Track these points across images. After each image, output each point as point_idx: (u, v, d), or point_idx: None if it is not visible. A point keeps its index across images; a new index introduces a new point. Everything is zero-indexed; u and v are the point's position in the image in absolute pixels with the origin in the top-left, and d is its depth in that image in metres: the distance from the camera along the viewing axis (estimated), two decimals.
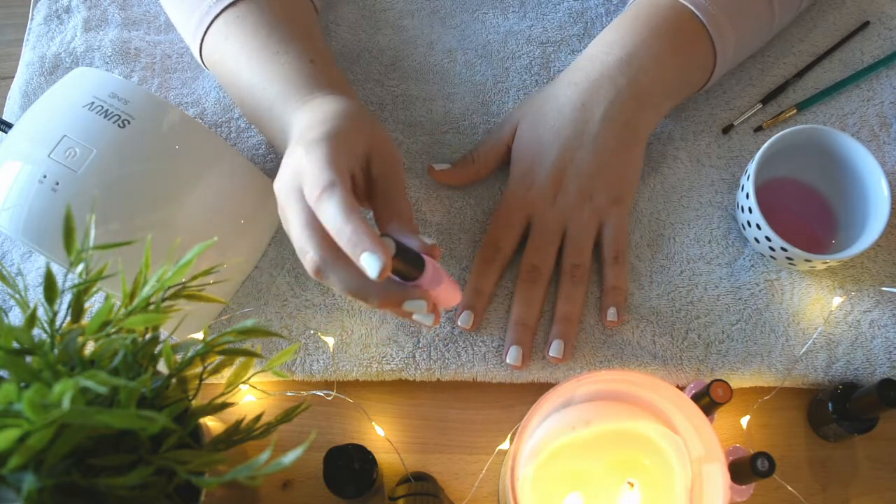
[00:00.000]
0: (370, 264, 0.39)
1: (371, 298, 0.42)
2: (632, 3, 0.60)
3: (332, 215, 0.40)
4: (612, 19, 0.66)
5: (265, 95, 0.51)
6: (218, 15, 0.53)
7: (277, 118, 0.50)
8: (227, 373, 0.40)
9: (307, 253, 0.42)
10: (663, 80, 0.56)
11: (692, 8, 0.56)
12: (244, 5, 0.52)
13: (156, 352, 0.37)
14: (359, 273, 0.41)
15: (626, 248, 0.56)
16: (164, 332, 0.39)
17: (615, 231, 0.55)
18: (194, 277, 0.38)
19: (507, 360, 0.52)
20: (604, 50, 0.57)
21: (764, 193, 0.55)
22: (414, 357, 0.54)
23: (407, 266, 0.42)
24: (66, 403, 0.28)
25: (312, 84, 0.50)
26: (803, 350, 0.54)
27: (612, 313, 0.53)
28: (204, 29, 0.53)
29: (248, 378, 0.41)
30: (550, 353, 0.52)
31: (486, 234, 0.56)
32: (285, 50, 0.51)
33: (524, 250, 0.55)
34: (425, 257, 0.43)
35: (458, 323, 0.53)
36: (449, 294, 0.46)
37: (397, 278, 0.43)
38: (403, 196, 0.46)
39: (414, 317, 0.44)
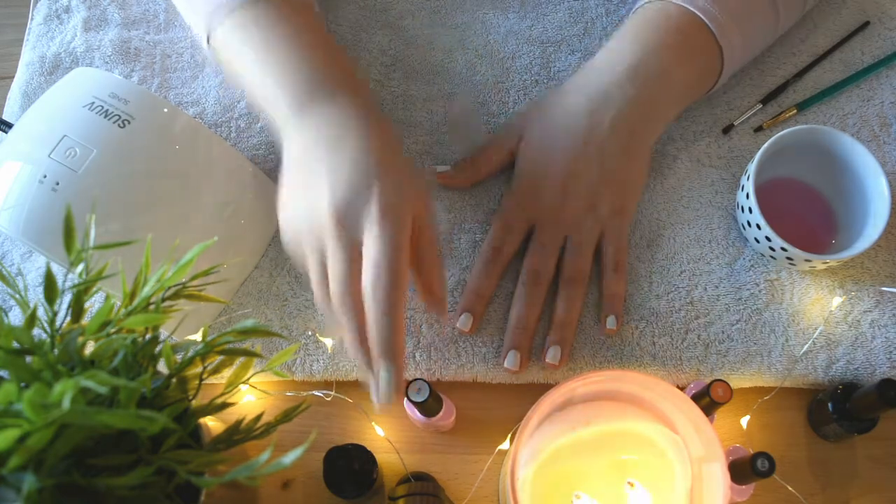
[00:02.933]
0: (386, 386, 0.43)
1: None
2: (638, 7, 0.59)
3: (385, 328, 0.42)
4: (612, 19, 0.66)
5: (286, 76, 0.49)
6: (241, 5, 0.51)
7: (295, 96, 0.48)
8: (227, 373, 0.40)
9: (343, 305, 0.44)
10: (670, 90, 0.57)
11: (700, 15, 0.55)
12: (266, 2, 0.51)
13: (156, 352, 0.37)
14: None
15: (626, 257, 0.56)
16: (164, 332, 0.39)
17: (616, 240, 0.55)
18: (194, 277, 0.38)
19: (505, 365, 0.52)
20: (612, 59, 0.57)
21: (764, 193, 0.55)
22: (414, 357, 0.54)
23: (432, 407, 0.48)
24: (66, 403, 0.28)
25: (337, 75, 0.49)
26: (803, 350, 0.54)
27: (611, 321, 0.53)
28: (222, 16, 0.51)
29: (248, 378, 0.41)
30: (547, 359, 0.52)
31: (487, 236, 0.56)
32: (313, 45, 0.50)
33: (525, 255, 0.55)
34: (443, 397, 0.50)
35: (458, 325, 0.53)
36: (449, 421, 0.51)
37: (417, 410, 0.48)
38: (436, 260, 0.47)
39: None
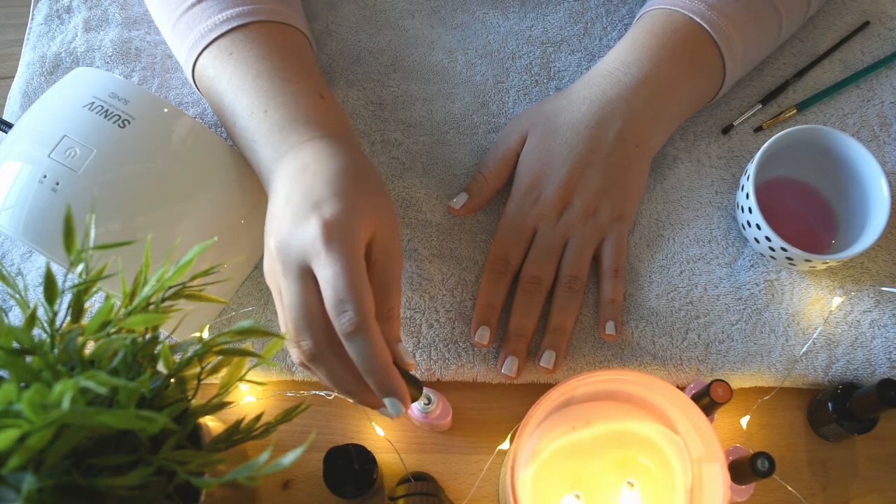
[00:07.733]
0: (394, 407, 0.42)
1: (354, 396, 0.44)
2: (645, 13, 0.59)
3: (366, 356, 0.41)
4: (612, 19, 0.66)
5: (266, 119, 0.50)
6: (226, 32, 0.52)
7: (274, 145, 0.49)
8: (225, 373, 0.40)
9: (303, 340, 0.42)
10: (676, 103, 0.57)
11: (707, 27, 0.56)
12: (254, 29, 0.52)
13: (155, 352, 0.37)
14: (348, 369, 0.43)
15: (625, 263, 0.56)
16: (164, 332, 0.39)
17: (615, 246, 0.55)
18: (194, 277, 0.38)
19: (503, 371, 0.52)
20: (621, 69, 0.57)
21: (764, 193, 0.55)
22: (414, 357, 0.54)
23: (410, 389, 0.44)
24: (66, 403, 0.28)
25: (319, 120, 0.50)
26: (803, 350, 0.54)
27: (610, 327, 0.53)
28: (207, 42, 0.52)
29: (243, 375, 0.41)
30: (541, 364, 0.52)
31: (493, 247, 0.56)
32: (296, 80, 0.51)
33: (525, 261, 0.55)
34: (437, 395, 0.49)
35: (476, 339, 0.53)
36: (446, 421, 0.51)
37: None
38: (397, 291, 0.45)
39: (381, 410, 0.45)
